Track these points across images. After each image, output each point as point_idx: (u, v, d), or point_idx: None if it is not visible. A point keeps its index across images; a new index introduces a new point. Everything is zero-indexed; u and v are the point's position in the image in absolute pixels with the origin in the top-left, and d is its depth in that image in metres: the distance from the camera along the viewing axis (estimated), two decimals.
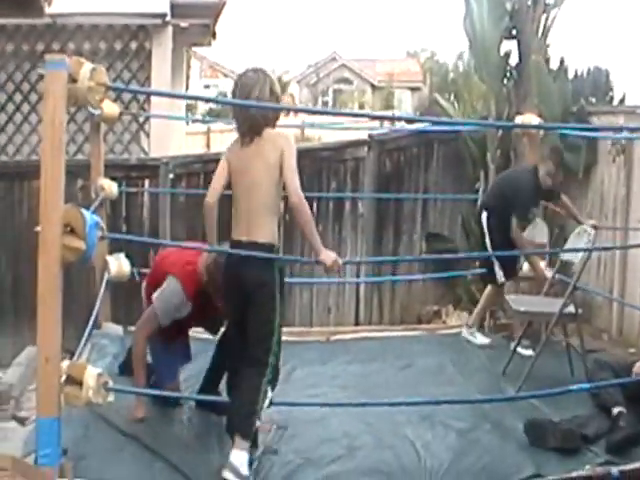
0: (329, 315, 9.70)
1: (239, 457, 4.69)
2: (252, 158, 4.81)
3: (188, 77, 17.13)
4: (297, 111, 24.04)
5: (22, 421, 6.60)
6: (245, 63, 48.52)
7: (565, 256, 7.11)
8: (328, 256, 4.77)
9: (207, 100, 18.27)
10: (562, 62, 9.83)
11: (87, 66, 4.15)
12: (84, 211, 4.24)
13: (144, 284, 6.08)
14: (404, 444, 5.41)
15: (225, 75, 55.19)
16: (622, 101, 9.73)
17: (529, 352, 7.01)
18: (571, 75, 9.92)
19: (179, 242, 5.97)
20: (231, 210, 4.90)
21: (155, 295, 5.64)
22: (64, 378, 4.09)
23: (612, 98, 9.87)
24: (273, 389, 5.04)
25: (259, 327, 4.85)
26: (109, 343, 7.15)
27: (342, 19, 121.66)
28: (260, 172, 4.78)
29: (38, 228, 4.04)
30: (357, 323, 9.64)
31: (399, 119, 14.37)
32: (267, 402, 4.94)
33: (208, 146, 21.40)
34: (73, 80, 4.10)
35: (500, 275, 7.66)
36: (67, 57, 4.18)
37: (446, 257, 9.74)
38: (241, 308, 4.90)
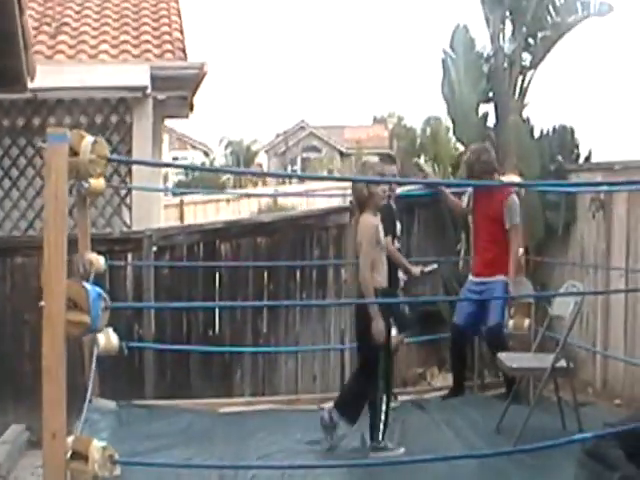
0: (314, 383, 9.59)
1: None
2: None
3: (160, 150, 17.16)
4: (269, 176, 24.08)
5: None
6: (213, 134, 48.89)
7: (555, 311, 7.15)
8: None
9: (199, 169, 18.41)
10: (527, 121, 9.93)
11: (88, 139, 4.18)
12: (86, 284, 4.23)
13: None
14: None
15: (194, 147, 55.42)
16: (588, 158, 9.75)
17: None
18: (537, 134, 10.01)
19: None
20: None
21: None
22: (70, 453, 4.05)
23: (578, 156, 9.81)
24: None
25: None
26: (101, 418, 7.09)
27: (310, 87, 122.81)
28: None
29: (42, 303, 4.02)
30: None
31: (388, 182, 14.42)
32: None
33: (182, 218, 21.39)
34: (75, 153, 4.12)
35: None
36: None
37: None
38: None
